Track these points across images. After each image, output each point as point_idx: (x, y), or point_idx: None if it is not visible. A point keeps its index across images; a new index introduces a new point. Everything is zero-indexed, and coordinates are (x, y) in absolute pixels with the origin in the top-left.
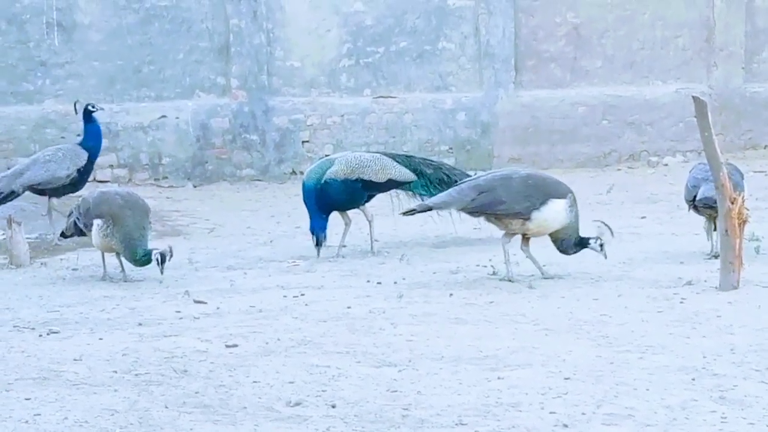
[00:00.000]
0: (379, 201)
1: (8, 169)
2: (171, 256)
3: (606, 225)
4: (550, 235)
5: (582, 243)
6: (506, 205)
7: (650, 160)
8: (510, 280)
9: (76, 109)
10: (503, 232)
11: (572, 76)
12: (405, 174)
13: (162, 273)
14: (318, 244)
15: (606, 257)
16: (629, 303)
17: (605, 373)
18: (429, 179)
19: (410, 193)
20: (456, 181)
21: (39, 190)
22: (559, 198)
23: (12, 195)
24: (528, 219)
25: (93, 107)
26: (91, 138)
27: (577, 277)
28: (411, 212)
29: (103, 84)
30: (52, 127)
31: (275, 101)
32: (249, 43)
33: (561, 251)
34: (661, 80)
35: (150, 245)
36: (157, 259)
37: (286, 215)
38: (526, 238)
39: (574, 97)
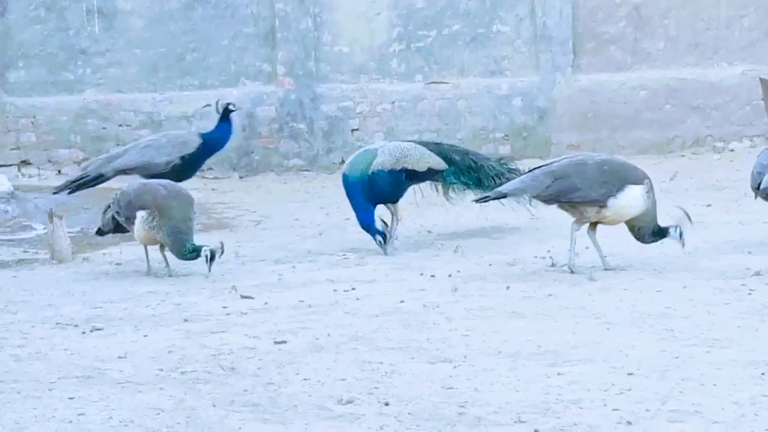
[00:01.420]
0: (428, 190)
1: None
2: (222, 253)
3: (684, 212)
4: (627, 222)
5: (661, 232)
6: (582, 192)
7: (715, 146)
8: (571, 270)
9: (217, 108)
10: (573, 219)
11: (633, 59)
12: (440, 162)
13: (210, 271)
14: (384, 241)
15: (684, 246)
16: (695, 295)
17: (670, 369)
18: (459, 166)
19: (441, 181)
20: (483, 167)
21: (135, 176)
22: (636, 184)
23: (100, 178)
24: (604, 206)
25: (233, 107)
26: (219, 131)
27: (640, 268)
28: (484, 199)
29: (145, 72)
30: (93, 117)
31: (323, 88)
32: (295, 28)
33: (638, 239)
34: (726, 62)
35: (195, 238)
36: (207, 256)
37: (336, 206)
38: (593, 225)
39: (635, 80)
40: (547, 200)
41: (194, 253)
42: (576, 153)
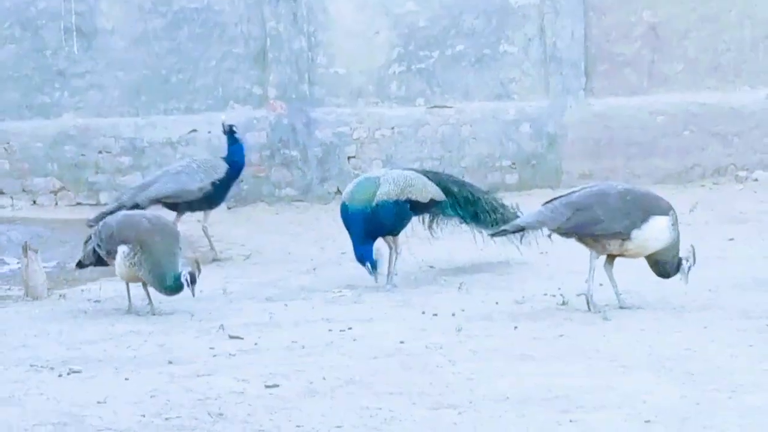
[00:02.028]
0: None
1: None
2: (199, 272)
3: (692, 248)
4: (649, 257)
5: (679, 264)
6: (604, 225)
7: (738, 175)
8: (588, 302)
9: (224, 129)
10: (604, 260)
11: (650, 82)
12: (440, 193)
13: (194, 295)
14: (374, 268)
15: (687, 283)
16: (716, 336)
17: (691, 416)
18: (456, 198)
19: (439, 213)
20: (480, 200)
21: (169, 204)
22: (661, 215)
23: (135, 209)
24: (627, 239)
25: (236, 129)
26: (236, 154)
27: (657, 306)
28: (502, 233)
29: (128, 95)
30: (71, 143)
31: (318, 113)
32: (288, 48)
33: (661, 275)
34: (749, 85)
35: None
36: (186, 280)
37: (331, 240)
38: (610, 258)
39: (652, 105)
40: (567, 233)
41: (176, 282)
42: (596, 182)
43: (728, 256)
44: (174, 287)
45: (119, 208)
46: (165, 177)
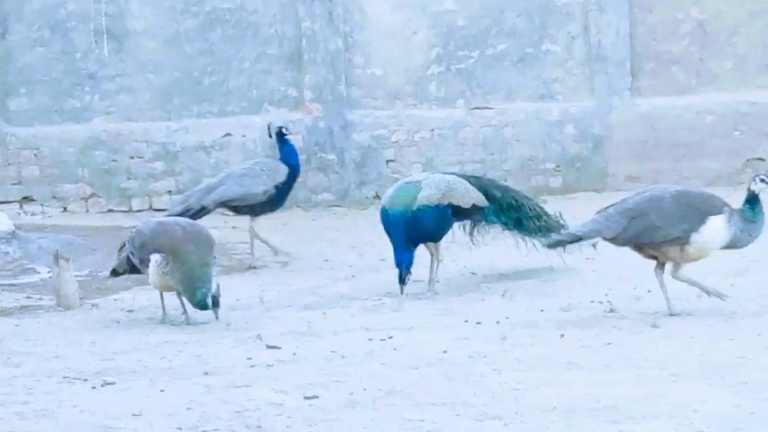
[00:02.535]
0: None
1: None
2: (220, 294)
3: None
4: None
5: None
6: (663, 231)
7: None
8: (669, 307)
9: (269, 131)
10: (655, 264)
11: (698, 81)
12: (482, 199)
13: (217, 318)
14: (402, 281)
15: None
16: None
17: (745, 425)
18: (500, 204)
19: (481, 220)
20: (523, 206)
21: (233, 207)
22: (717, 214)
23: (203, 211)
24: (687, 243)
25: (286, 130)
26: (291, 156)
27: (708, 313)
28: (558, 244)
29: (159, 98)
30: (102, 148)
31: (355, 115)
32: (324, 48)
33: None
34: None
35: (214, 283)
36: (209, 303)
37: (370, 245)
38: (661, 264)
39: (700, 104)
40: (624, 243)
41: (203, 302)
42: (648, 187)
43: None
44: (204, 304)
45: (187, 211)
46: (230, 180)
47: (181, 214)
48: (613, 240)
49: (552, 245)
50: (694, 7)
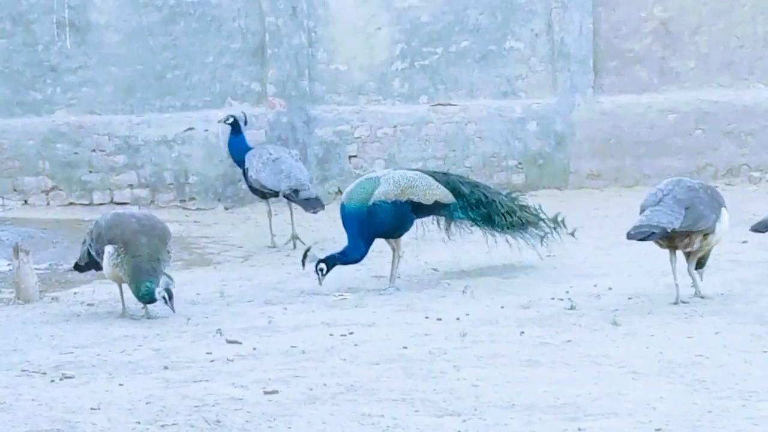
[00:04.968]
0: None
1: None
2: (173, 284)
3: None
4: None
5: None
6: (705, 220)
7: (752, 176)
8: (702, 296)
9: (245, 120)
10: (673, 256)
11: (660, 79)
12: (447, 195)
13: (174, 311)
14: (323, 272)
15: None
16: (729, 341)
17: (703, 424)
18: (468, 200)
19: (447, 216)
20: (494, 202)
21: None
22: (725, 207)
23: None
24: (712, 232)
25: (241, 120)
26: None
27: (668, 311)
28: (649, 237)
29: (121, 92)
30: (63, 141)
31: (318, 110)
32: (287, 43)
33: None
34: (763, 83)
35: (163, 280)
36: (165, 298)
37: (332, 241)
38: (673, 250)
39: (662, 103)
40: (677, 233)
41: (149, 295)
42: (671, 178)
43: (742, 260)
44: (147, 298)
45: None
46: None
47: None
48: (672, 231)
49: (645, 239)
50: (658, 6)
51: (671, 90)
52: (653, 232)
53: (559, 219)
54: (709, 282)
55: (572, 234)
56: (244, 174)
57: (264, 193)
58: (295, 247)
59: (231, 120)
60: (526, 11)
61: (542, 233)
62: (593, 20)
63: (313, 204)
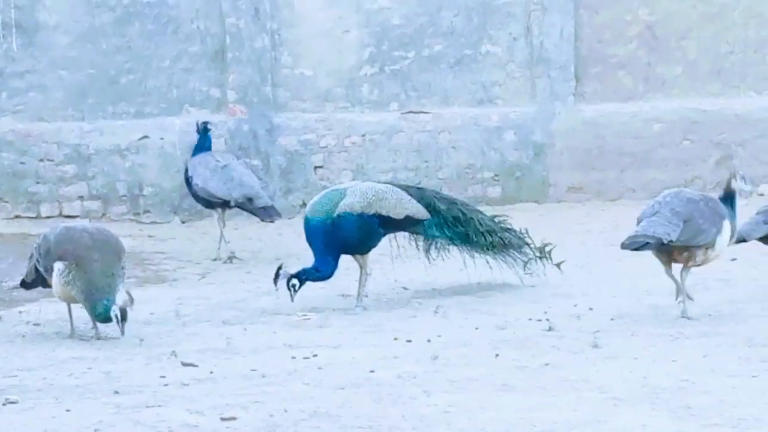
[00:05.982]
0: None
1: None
2: (132, 303)
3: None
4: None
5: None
6: (704, 234)
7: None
8: (684, 310)
9: (198, 128)
10: (665, 266)
11: (646, 87)
12: (421, 210)
13: (123, 333)
14: (294, 287)
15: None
16: (717, 365)
17: None
18: (444, 217)
19: (422, 234)
20: (472, 220)
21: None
22: (725, 218)
23: None
24: (712, 247)
25: (211, 126)
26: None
27: (652, 333)
28: (644, 246)
29: (72, 97)
30: (9, 150)
31: (281, 118)
32: (249, 47)
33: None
34: (754, 91)
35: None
36: (116, 317)
37: (295, 257)
38: (669, 263)
39: (648, 112)
40: (675, 246)
41: (106, 313)
42: (671, 190)
43: (730, 278)
44: (104, 317)
45: None
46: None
47: None
48: (668, 243)
49: (639, 248)
50: (643, 9)
51: (657, 98)
52: (648, 243)
53: (547, 249)
54: (697, 302)
55: (558, 266)
56: (188, 182)
57: (211, 203)
58: (231, 261)
59: (211, 126)
60: (504, 14)
61: (525, 258)
62: (575, 24)
63: (270, 212)
